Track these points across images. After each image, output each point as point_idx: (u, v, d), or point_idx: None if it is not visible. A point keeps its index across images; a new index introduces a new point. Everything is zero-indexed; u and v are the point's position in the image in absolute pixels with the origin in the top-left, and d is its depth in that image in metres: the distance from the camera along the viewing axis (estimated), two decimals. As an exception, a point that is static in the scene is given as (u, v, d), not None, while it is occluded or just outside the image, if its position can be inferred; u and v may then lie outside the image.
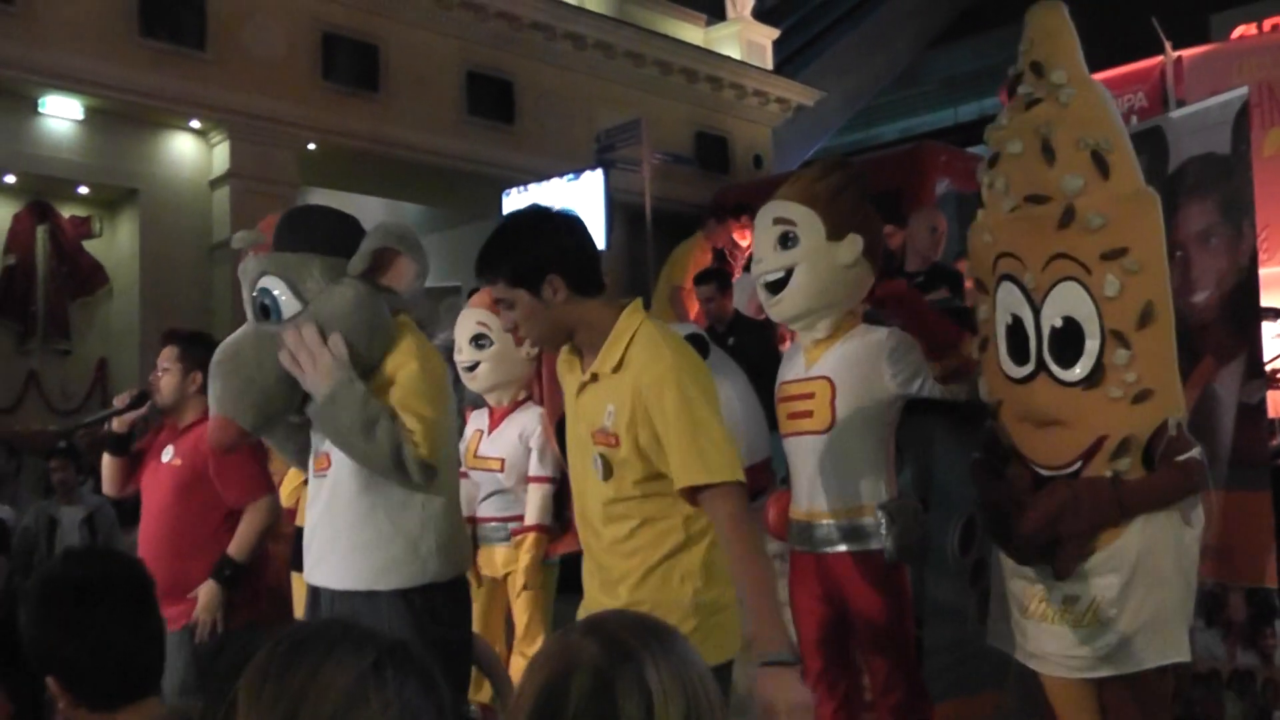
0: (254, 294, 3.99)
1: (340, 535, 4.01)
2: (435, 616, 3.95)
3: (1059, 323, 4.27)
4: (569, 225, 3.59)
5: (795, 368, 5.10)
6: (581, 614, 3.47)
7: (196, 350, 5.61)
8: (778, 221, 4.90)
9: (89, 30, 16.31)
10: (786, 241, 4.89)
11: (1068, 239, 4.23)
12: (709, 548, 3.54)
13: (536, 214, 3.60)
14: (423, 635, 3.80)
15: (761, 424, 5.60)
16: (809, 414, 4.92)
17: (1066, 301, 4.25)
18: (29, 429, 15.86)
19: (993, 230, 4.51)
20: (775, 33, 27.31)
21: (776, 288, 4.93)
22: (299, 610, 5.74)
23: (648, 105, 21.91)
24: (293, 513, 6.26)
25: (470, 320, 6.64)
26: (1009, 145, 4.44)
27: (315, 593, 4.16)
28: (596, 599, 3.66)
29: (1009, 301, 4.44)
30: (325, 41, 19.00)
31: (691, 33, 25.65)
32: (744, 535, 3.28)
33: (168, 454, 5.73)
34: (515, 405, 6.76)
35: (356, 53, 19.32)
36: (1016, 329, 4.42)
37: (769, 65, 26.74)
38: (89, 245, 17.87)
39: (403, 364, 3.96)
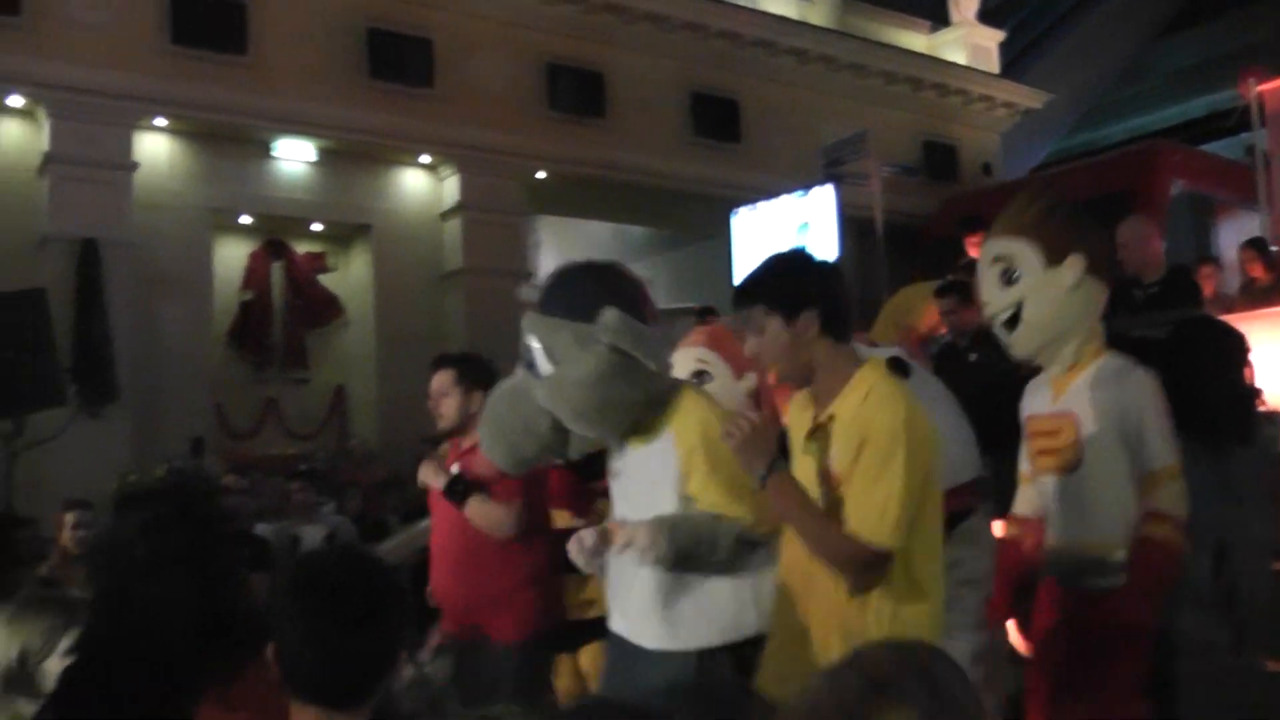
0: (524, 349, 4.07)
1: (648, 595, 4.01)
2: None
3: None
4: (834, 271, 3.63)
5: (1041, 400, 4.80)
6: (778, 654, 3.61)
7: (472, 370, 5.65)
8: (996, 260, 4.69)
9: (319, 75, 16.45)
10: (1007, 278, 4.66)
11: None
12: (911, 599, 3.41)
13: (804, 252, 3.66)
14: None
15: (969, 443, 5.18)
16: (1055, 451, 4.64)
17: None
18: (269, 453, 16.15)
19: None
20: (1000, 35, 25.95)
21: (1010, 326, 4.69)
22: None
23: (872, 116, 20.93)
24: None
25: (689, 357, 6.04)
26: None
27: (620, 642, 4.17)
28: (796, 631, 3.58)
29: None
30: (550, 71, 18.70)
31: (915, 40, 24.64)
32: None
33: (454, 469, 5.66)
34: None
35: (581, 81, 18.94)
36: None
37: (995, 69, 25.47)
38: (323, 279, 18.07)
39: (689, 444, 3.93)
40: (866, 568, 3.31)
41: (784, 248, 3.74)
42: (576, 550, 3.96)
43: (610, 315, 3.88)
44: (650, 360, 3.93)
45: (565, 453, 4.29)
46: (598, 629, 5.18)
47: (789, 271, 3.56)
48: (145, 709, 2.61)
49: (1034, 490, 4.81)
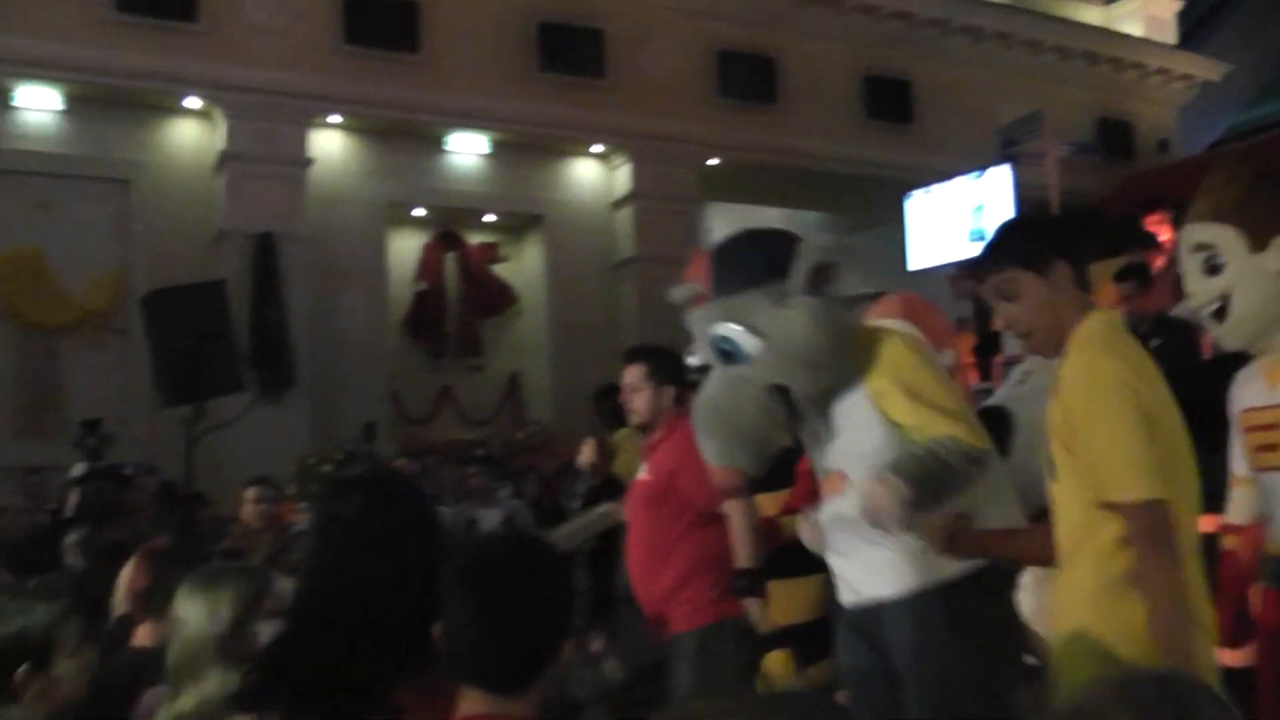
0: (711, 343, 3.82)
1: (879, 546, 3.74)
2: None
3: None
4: (1071, 221, 3.05)
5: (1255, 392, 4.25)
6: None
7: (664, 365, 5.54)
8: (1197, 248, 4.19)
9: (491, 70, 16.50)
10: (1211, 268, 4.15)
11: None
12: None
13: (1035, 213, 3.07)
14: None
15: None
16: (1276, 446, 4.14)
17: None
18: (445, 438, 16.20)
19: None
20: (1177, 4, 24.94)
21: (1218, 317, 4.18)
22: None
23: (1047, 93, 20.17)
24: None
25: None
26: None
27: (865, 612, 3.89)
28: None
29: None
30: (721, 59, 18.44)
31: (1090, 13, 23.75)
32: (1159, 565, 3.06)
33: (640, 470, 5.64)
34: None
35: (752, 66, 18.64)
36: None
37: (1172, 40, 24.49)
38: (497, 268, 18.15)
39: (897, 372, 3.72)
40: (1147, 532, 3.10)
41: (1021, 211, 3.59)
42: (809, 531, 3.88)
43: (798, 258, 3.71)
44: (845, 289, 3.80)
45: (791, 435, 3.99)
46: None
47: (1032, 228, 3.48)
48: (357, 683, 2.62)
49: (1250, 492, 4.34)
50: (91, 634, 3.38)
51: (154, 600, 4.09)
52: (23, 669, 3.02)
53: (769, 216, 20.40)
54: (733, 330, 3.75)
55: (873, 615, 3.84)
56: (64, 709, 3.17)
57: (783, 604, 5.27)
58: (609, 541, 6.01)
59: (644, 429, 5.63)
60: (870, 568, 3.82)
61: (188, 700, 3.24)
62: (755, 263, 3.81)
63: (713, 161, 18.32)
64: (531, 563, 2.58)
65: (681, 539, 5.36)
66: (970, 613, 3.72)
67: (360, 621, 2.68)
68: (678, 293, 4.18)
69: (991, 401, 4.67)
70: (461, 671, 2.50)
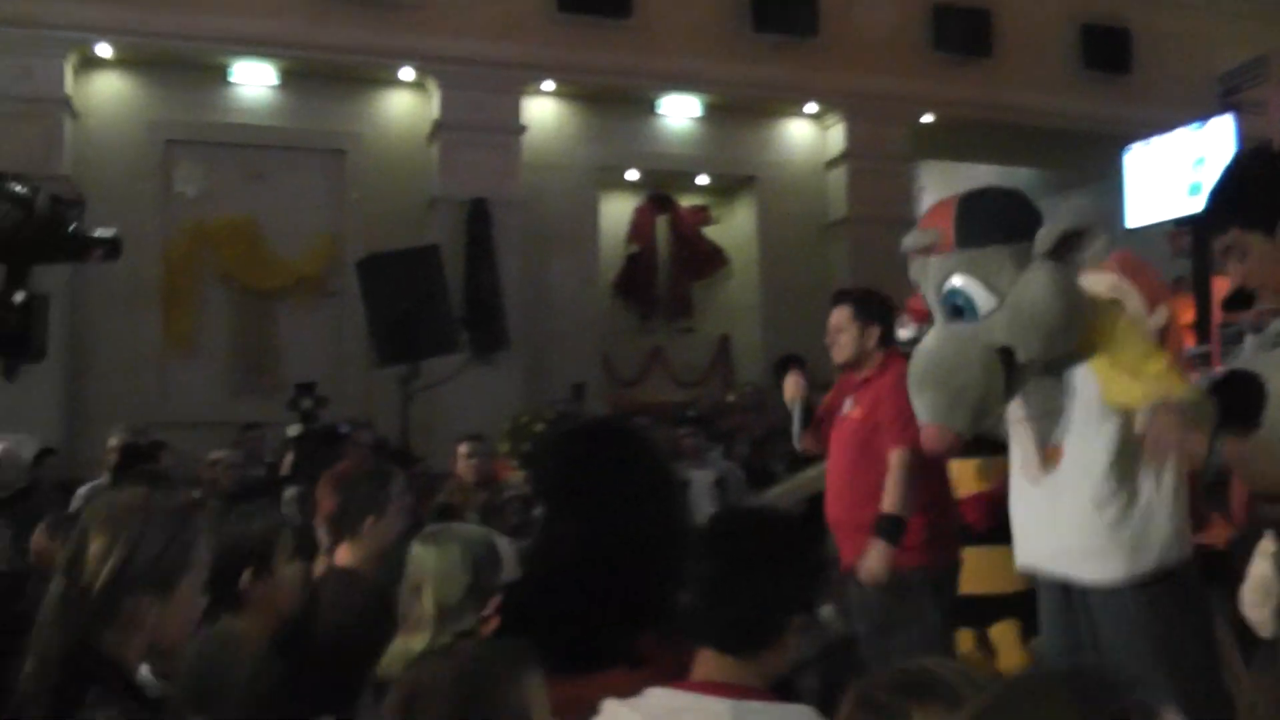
0: (942, 295, 3.76)
1: (1097, 532, 3.73)
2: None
3: None
4: None
5: None
6: None
7: (869, 306, 5.58)
8: None
9: (703, 32, 16.25)
10: None
11: None
12: None
13: (1267, 155, 3.33)
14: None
15: None
16: None
17: None
18: (655, 400, 16.25)
19: None
20: None
21: None
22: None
23: (1273, 36, 18.95)
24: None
25: (1099, 284, 5.55)
26: None
27: (1064, 588, 3.89)
28: None
29: None
30: (935, 13, 17.70)
31: (1323, -50, 22.20)
32: None
33: (848, 405, 5.66)
34: None
35: (967, 19, 17.80)
36: None
37: None
38: (708, 231, 17.97)
39: (1122, 352, 3.70)
40: None
41: (1235, 159, 3.43)
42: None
43: (1045, 228, 3.63)
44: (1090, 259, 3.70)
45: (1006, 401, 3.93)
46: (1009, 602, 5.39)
47: (1256, 186, 3.28)
48: (599, 630, 2.66)
49: None
50: (303, 550, 3.69)
51: (345, 521, 4.38)
52: (247, 574, 3.23)
53: (981, 174, 19.65)
54: (970, 284, 3.68)
55: (1071, 593, 3.82)
56: (284, 619, 3.41)
57: (1001, 572, 5.06)
58: (818, 504, 5.91)
59: (848, 368, 5.66)
60: (1077, 550, 3.76)
61: (418, 642, 3.41)
62: (1003, 218, 3.75)
63: (926, 119, 17.72)
64: (774, 528, 2.58)
65: (878, 471, 5.33)
66: (1167, 610, 3.64)
67: (603, 570, 2.70)
68: (915, 238, 4.02)
69: (1239, 365, 4.30)
70: (698, 632, 2.50)
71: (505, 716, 2.19)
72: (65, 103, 14.24)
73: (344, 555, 4.35)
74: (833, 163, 17.43)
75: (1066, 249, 3.63)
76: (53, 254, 2.73)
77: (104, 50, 14.63)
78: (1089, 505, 3.72)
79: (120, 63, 14.90)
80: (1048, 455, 3.85)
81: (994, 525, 4.96)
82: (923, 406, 3.81)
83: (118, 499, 2.60)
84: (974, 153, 18.93)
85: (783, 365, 7.65)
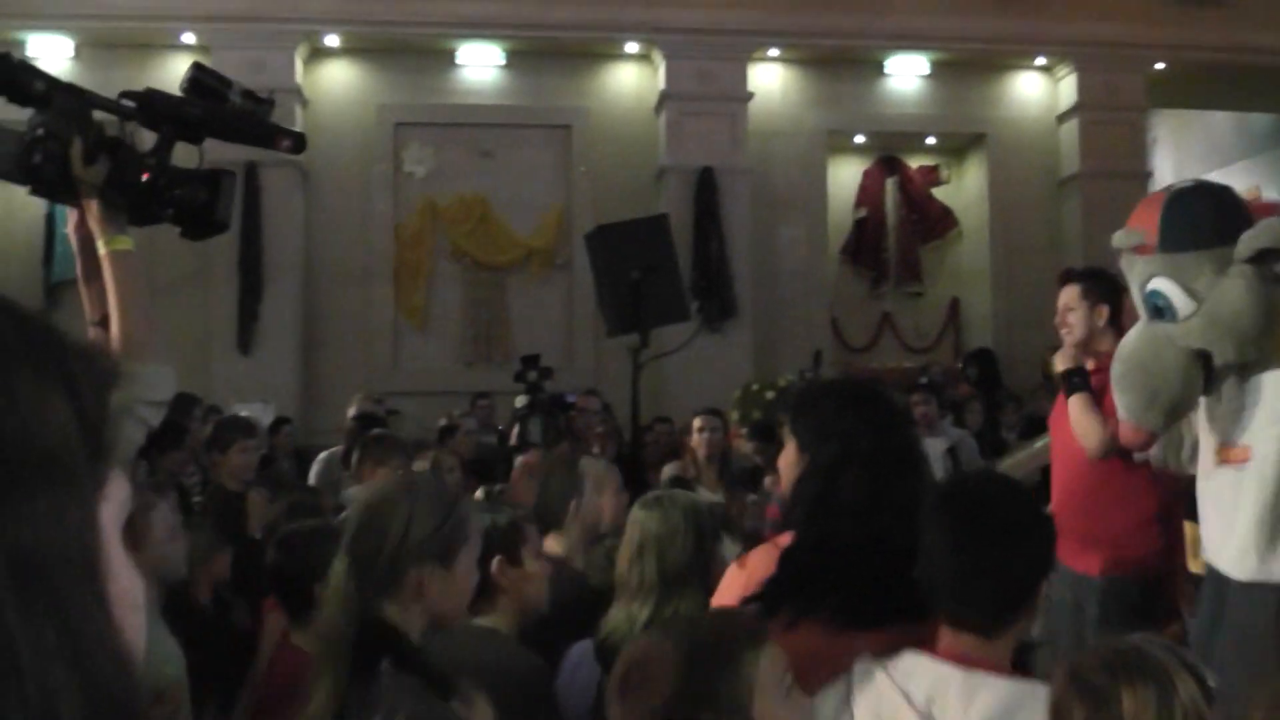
0: (1144, 295, 3.81)
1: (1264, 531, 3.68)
2: None
3: None
4: None
5: None
6: None
7: (1097, 285, 5.38)
8: None
9: None
10: None
11: None
12: None
13: None
14: None
15: None
16: None
17: None
18: (885, 366, 16.13)
19: None
20: None
21: None
22: None
23: None
24: None
25: None
26: None
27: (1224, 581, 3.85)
28: None
29: None
30: (1168, -45, 16.66)
31: None
32: None
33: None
34: None
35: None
36: None
37: None
38: (937, 192, 17.46)
39: None
40: None
41: None
42: None
43: (1247, 235, 3.57)
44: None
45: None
46: None
47: None
48: (889, 595, 2.59)
49: None
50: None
51: (546, 513, 4.35)
52: (496, 560, 3.18)
53: (1217, 122, 18.73)
54: (1169, 288, 3.71)
55: (1224, 582, 3.84)
56: (529, 616, 3.36)
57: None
58: (1050, 474, 5.61)
59: (1078, 348, 5.42)
60: (1231, 544, 3.78)
61: (642, 610, 3.49)
62: (1206, 223, 3.74)
63: (1159, 66, 16.72)
64: (1011, 497, 2.52)
65: (1135, 489, 5.09)
66: None
67: (858, 535, 2.65)
68: (1121, 238, 4.05)
69: None
70: (939, 604, 2.44)
71: (730, 691, 2.12)
72: (296, 92, 14.62)
73: (551, 545, 4.21)
74: (1064, 116, 16.63)
75: (1269, 257, 3.61)
76: (244, 139, 2.65)
77: (332, 40, 15.11)
78: (1265, 506, 3.69)
79: (347, 51, 15.34)
80: (1233, 454, 3.83)
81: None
82: (1122, 405, 3.93)
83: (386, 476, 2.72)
84: (1209, 100, 18.15)
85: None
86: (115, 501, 0.86)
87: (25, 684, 0.72)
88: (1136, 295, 3.87)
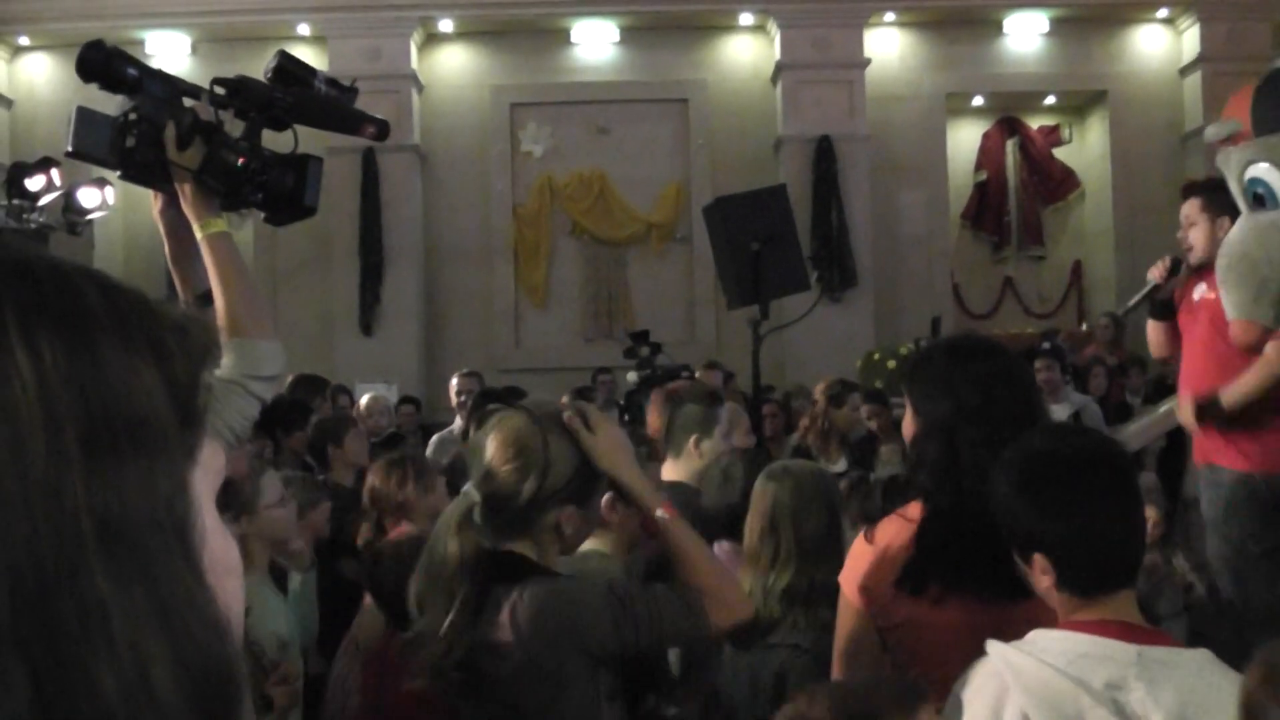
0: (1243, 184, 3.63)
1: None
2: None
3: None
4: None
5: None
6: None
7: (1220, 197, 5.07)
8: None
9: None
10: None
11: None
12: None
13: None
14: None
15: None
16: None
17: None
18: (1008, 332, 15.46)
19: None
20: None
21: None
22: None
23: None
24: None
25: None
26: None
27: None
28: None
29: None
30: (1297, -106, 16.04)
31: None
32: None
33: (1199, 291, 5.27)
34: None
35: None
36: None
37: None
38: (1058, 152, 16.99)
39: None
40: None
41: None
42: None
43: None
44: None
45: None
46: None
47: None
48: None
49: None
50: None
51: (671, 438, 4.28)
52: (608, 496, 3.02)
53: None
54: (1268, 173, 3.68)
55: None
56: (634, 543, 3.28)
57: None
58: (1175, 440, 5.66)
59: (1200, 267, 5.25)
60: None
61: (780, 580, 3.49)
62: None
63: (1289, 14, 16.02)
64: (1104, 458, 2.40)
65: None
66: None
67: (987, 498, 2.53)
68: (1214, 130, 4.13)
69: None
70: (1049, 570, 2.33)
71: None
72: (412, 77, 14.81)
73: (668, 471, 4.25)
74: (1187, 69, 16.04)
75: None
76: (330, 126, 2.73)
77: (446, 25, 15.20)
78: None
79: (461, 35, 15.41)
80: None
81: None
82: (1229, 304, 3.84)
83: (516, 422, 2.66)
84: (1336, 44, 17.37)
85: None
86: (208, 469, 0.86)
87: (117, 647, 0.72)
88: (1235, 188, 3.77)
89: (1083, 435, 2.72)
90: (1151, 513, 4.48)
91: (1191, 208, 5.27)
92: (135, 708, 0.72)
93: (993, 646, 2.27)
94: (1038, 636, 2.27)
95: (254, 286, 2.71)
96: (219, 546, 0.86)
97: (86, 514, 0.73)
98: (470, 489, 2.62)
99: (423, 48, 15.20)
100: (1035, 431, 2.59)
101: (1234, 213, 4.94)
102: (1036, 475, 2.37)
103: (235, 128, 2.63)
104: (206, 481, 0.85)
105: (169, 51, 14.31)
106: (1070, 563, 2.28)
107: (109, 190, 10.19)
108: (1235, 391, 4.68)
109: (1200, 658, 2.19)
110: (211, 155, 2.54)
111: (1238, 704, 1.86)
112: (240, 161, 2.57)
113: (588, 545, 3.17)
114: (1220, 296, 3.85)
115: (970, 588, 2.58)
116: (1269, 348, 4.65)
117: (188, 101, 2.62)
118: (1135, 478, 2.48)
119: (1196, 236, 5.21)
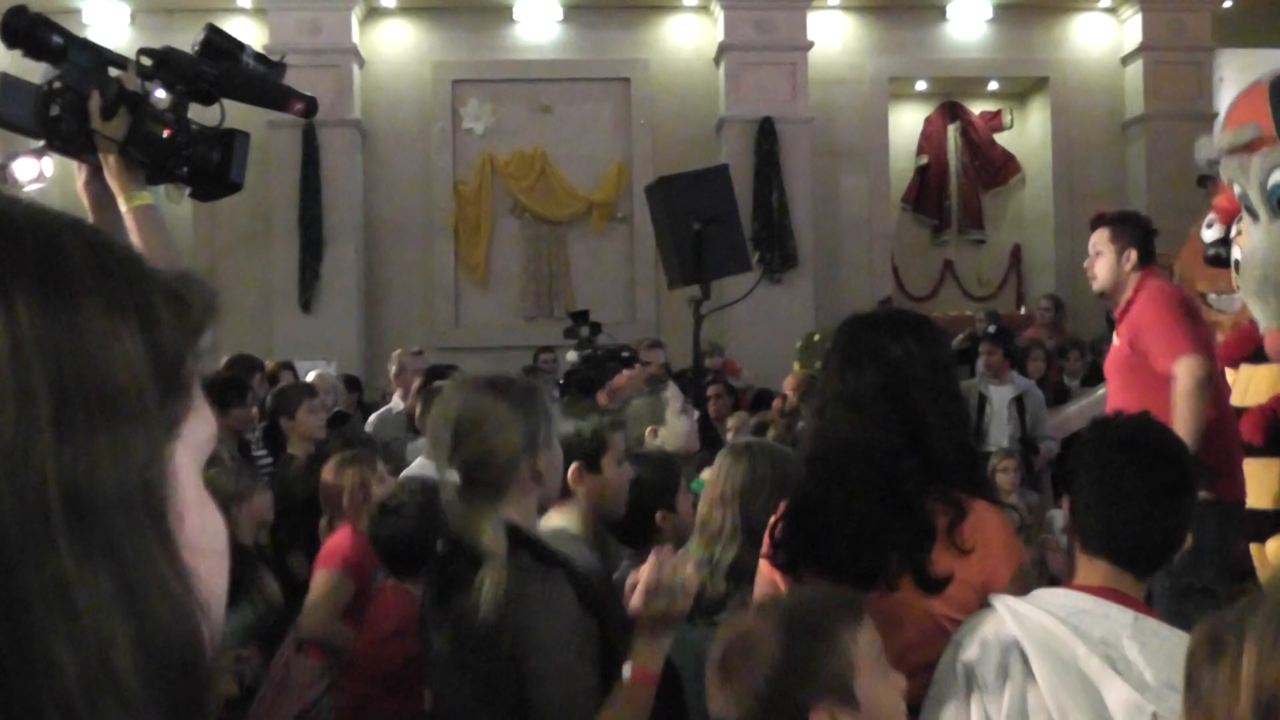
0: (1267, 190, 3.46)
1: None
2: None
3: None
4: None
5: None
6: None
7: (1127, 230, 5.22)
8: None
9: None
10: None
11: None
12: None
13: None
14: None
15: None
16: None
17: None
18: (947, 315, 15.41)
19: None
20: None
21: None
22: None
23: None
24: None
25: None
26: None
27: None
28: None
29: None
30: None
31: None
32: None
33: (1115, 338, 5.41)
34: None
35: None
36: None
37: None
38: (999, 138, 16.99)
39: None
40: None
41: None
42: None
43: None
44: None
45: None
46: None
47: None
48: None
49: None
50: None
51: (633, 437, 4.22)
52: (574, 465, 3.15)
53: (1281, 59, 17.93)
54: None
55: None
56: (607, 518, 3.32)
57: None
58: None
59: (1104, 295, 5.41)
60: None
61: (726, 555, 3.39)
62: None
63: (1226, 3, 16.06)
64: (1160, 441, 2.50)
65: (1163, 409, 4.74)
66: None
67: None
68: (1229, 137, 3.66)
69: None
70: (1089, 541, 2.43)
71: (832, 668, 2.08)
72: (353, 52, 14.57)
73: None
74: (1128, 57, 15.98)
75: None
76: (257, 101, 2.77)
77: (388, 0, 15.00)
78: None
79: (404, 10, 15.25)
80: None
81: (1272, 439, 4.58)
82: (1263, 313, 3.68)
83: (461, 391, 2.77)
84: (1277, 38, 16.84)
85: None
86: (193, 441, 0.80)
87: (79, 627, 0.69)
88: (1256, 195, 3.51)
89: (1161, 430, 2.68)
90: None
91: (1099, 238, 5.28)
92: (95, 691, 0.69)
93: (996, 598, 2.35)
94: (1041, 592, 2.40)
95: (179, 261, 2.62)
96: (199, 523, 0.81)
97: (55, 485, 0.69)
98: (448, 472, 2.63)
99: (364, 22, 14.93)
100: (1128, 415, 2.64)
101: (1141, 244, 5.00)
102: (1102, 443, 2.49)
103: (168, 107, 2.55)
104: (189, 455, 0.80)
105: (107, 22, 13.94)
106: (1086, 520, 2.43)
107: (47, 162, 9.78)
108: (1182, 429, 4.51)
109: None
110: (137, 126, 2.48)
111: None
112: (166, 133, 2.50)
113: (555, 522, 3.18)
114: (1251, 310, 3.78)
115: (824, 571, 2.57)
116: (1175, 369, 4.68)
117: (114, 72, 2.54)
118: (1189, 481, 2.50)
119: (1101, 267, 5.24)
